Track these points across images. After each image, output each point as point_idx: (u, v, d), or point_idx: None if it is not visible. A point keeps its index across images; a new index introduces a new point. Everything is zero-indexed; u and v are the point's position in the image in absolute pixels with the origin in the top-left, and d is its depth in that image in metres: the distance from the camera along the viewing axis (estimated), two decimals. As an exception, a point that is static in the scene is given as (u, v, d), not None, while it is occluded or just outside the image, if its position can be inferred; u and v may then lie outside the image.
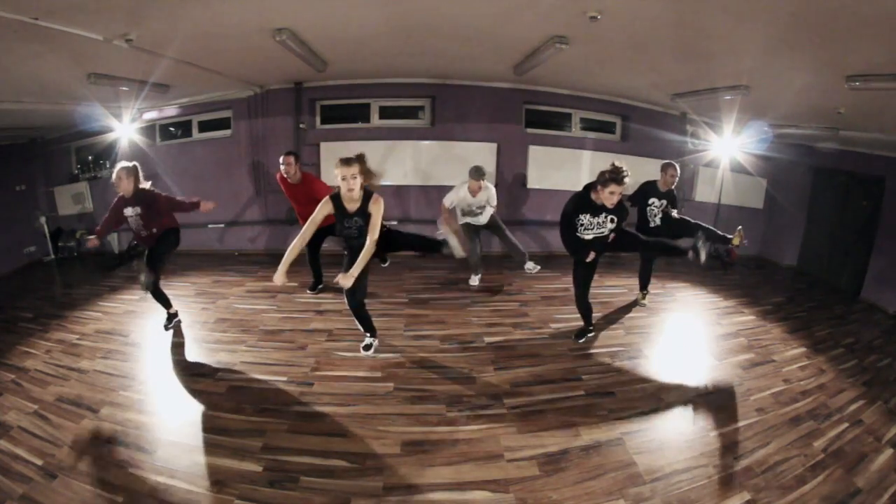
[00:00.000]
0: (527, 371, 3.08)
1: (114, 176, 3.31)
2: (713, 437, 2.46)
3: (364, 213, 2.75)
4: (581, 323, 3.57)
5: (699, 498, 2.04)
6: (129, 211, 3.37)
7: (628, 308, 4.23)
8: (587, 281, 3.37)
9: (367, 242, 2.73)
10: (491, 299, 4.36)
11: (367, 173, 2.74)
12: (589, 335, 3.55)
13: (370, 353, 3.23)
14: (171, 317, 3.67)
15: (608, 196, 2.87)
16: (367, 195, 2.75)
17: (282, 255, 2.73)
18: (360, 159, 2.70)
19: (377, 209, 2.74)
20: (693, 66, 3.57)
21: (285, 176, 4.03)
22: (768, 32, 2.57)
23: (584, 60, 3.91)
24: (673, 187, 3.97)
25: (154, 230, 3.42)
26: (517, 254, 4.71)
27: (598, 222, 3.01)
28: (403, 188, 5.61)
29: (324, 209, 2.78)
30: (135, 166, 3.38)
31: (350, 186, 2.65)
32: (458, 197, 4.33)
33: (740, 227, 3.71)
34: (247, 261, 5.52)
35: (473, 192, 4.31)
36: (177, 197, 3.54)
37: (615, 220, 3.04)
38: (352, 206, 2.76)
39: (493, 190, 4.47)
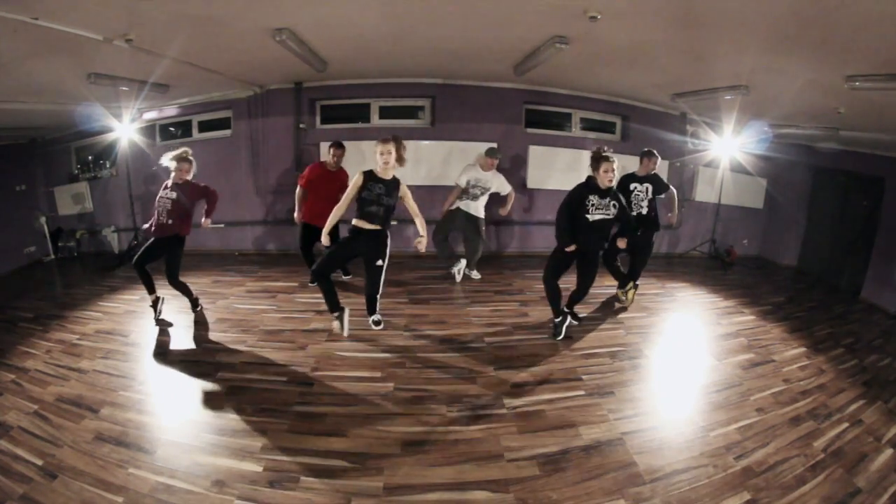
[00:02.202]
0: (527, 371, 3.08)
1: (176, 161, 3.55)
2: (713, 437, 2.46)
3: (389, 185, 3.14)
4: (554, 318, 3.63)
5: (699, 498, 2.04)
6: (164, 193, 3.58)
7: (628, 308, 4.23)
8: (558, 272, 3.51)
9: (418, 222, 3.27)
10: (491, 299, 4.36)
11: (400, 153, 3.13)
12: (559, 322, 3.55)
13: (345, 331, 3.40)
14: (155, 304, 3.77)
15: (605, 174, 3.24)
16: (395, 178, 3.19)
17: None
18: (396, 139, 3.12)
19: (407, 192, 3.22)
20: (693, 66, 3.57)
21: (328, 166, 4.36)
22: (768, 32, 2.57)
23: (585, 60, 3.91)
24: (653, 172, 4.11)
25: (171, 222, 3.54)
26: (470, 259, 4.85)
27: (605, 203, 3.31)
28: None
29: (357, 181, 3.15)
30: (188, 158, 3.64)
31: (385, 160, 3.07)
32: (469, 174, 4.56)
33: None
34: (247, 261, 5.52)
35: (485, 168, 4.56)
36: (209, 191, 3.78)
37: (617, 205, 3.34)
38: (383, 175, 3.15)
39: (503, 178, 4.70)
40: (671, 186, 4.26)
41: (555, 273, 3.51)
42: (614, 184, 3.32)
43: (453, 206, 4.64)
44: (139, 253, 3.60)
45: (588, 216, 3.30)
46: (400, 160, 3.14)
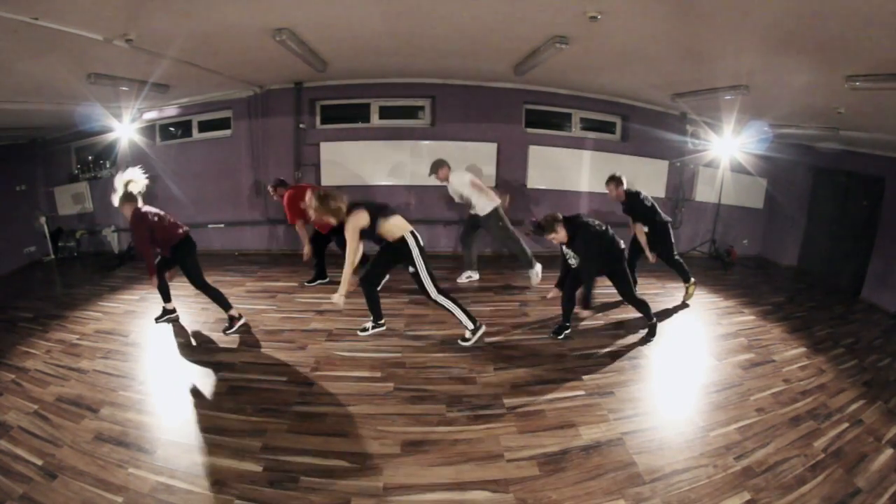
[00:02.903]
0: (527, 371, 3.08)
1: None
2: (713, 437, 2.46)
3: (341, 230, 3.20)
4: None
5: (699, 498, 2.04)
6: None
7: (628, 308, 4.22)
8: (573, 286, 3.52)
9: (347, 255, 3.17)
10: (491, 299, 4.36)
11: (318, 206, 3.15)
12: (563, 327, 3.59)
13: (367, 333, 3.52)
14: (167, 312, 3.75)
15: (553, 240, 3.36)
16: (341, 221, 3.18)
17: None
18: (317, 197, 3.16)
19: (346, 226, 3.12)
20: (693, 66, 3.57)
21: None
22: (768, 32, 2.57)
23: (585, 60, 3.91)
24: (626, 192, 4.16)
25: (155, 245, 3.49)
26: (520, 258, 4.74)
27: (571, 253, 3.40)
28: (403, 188, 5.62)
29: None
30: (128, 194, 3.38)
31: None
32: (452, 193, 4.62)
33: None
34: (247, 261, 5.52)
35: (441, 181, 4.61)
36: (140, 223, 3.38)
37: (575, 252, 3.36)
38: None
39: (461, 178, 4.50)
40: (634, 215, 4.15)
41: (572, 287, 3.54)
42: (564, 239, 3.31)
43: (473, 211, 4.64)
44: (157, 261, 3.59)
45: (571, 261, 3.43)
46: (317, 212, 3.14)
